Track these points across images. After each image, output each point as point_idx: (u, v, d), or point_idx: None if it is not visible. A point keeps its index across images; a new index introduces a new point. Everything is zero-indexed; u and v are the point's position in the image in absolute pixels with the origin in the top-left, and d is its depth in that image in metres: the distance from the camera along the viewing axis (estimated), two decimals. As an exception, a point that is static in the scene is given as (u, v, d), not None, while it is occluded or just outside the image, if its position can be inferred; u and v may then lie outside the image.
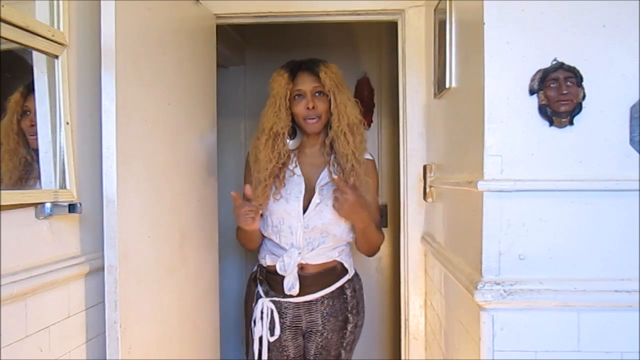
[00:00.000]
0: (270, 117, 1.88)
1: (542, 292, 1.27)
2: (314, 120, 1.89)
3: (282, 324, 1.92)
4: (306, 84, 1.88)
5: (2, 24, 1.17)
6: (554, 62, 1.28)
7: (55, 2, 1.39)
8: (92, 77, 1.53)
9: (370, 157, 2.01)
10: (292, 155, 1.95)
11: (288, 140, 1.92)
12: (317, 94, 1.89)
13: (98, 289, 1.52)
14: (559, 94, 1.27)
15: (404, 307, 2.30)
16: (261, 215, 1.91)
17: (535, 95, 1.29)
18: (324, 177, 1.93)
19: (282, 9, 2.20)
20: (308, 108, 1.87)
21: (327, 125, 1.93)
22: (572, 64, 1.28)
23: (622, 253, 1.28)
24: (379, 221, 2.04)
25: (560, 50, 1.28)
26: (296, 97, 1.89)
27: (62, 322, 1.40)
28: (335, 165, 1.91)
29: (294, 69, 1.90)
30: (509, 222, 1.30)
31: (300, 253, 1.87)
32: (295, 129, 1.95)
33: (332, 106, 1.88)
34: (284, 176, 1.91)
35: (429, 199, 2.07)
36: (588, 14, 1.28)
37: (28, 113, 1.37)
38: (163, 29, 1.72)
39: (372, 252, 2.00)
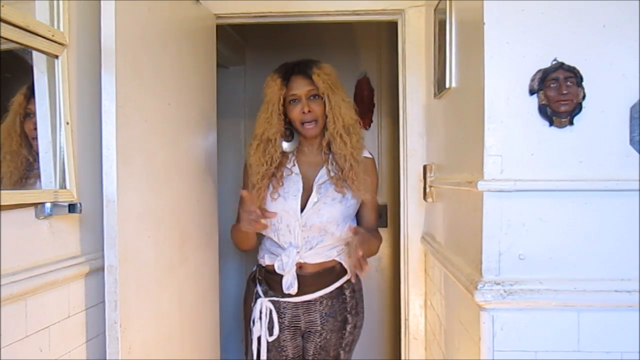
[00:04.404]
0: (262, 123, 1.88)
1: (542, 292, 1.27)
2: (311, 125, 1.89)
3: (280, 323, 1.92)
4: (300, 88, 1.87)
5: (2, 24, 1.17)
6: (554, 62, 1.28)
7: (55, 2, 1.39)
8: (92, 77, 1.52)
9: (369, 155, 2.01)
10: (290, 154, 1.96)
11: (284, 143, 1.92)
12: (312, 97, 1.88)
13: (98, 289, 1.52)
14: (559, 94, 1.27)
15: (404, 307, 2.30)
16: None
17: (535, 95, 1.29)
18: (322, 175, 1.93)
19: (282, 9, 2.20)
20: (304, 112, 1.87)
21: (325, 127, 1.93)
22: (572, 64, 1.28)
23: (622, 253, 1.28)
24: (376, 222, 2.05)
25: (560, 50, 1.28)
26: (291, 102, 1.89)
27: (62, 322, 1.40)
28: (334, 163, 1.91)
29: (287, 73, 1.89)
30: (509, 222, 1.30)
31: (298, 252, 1.87)
32: (292, 130, 1.95)
33: (326, 108, 1.87)
34: (281, 175, 1.91)
35: (429, 199, 2.07)
36: (588, 14, 1.28)
37: (31, 116, 1.37)
38: (163, 29, 1.72)
39: (374, 254, 2.02)
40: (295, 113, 1.88)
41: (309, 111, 1.87)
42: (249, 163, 1.91)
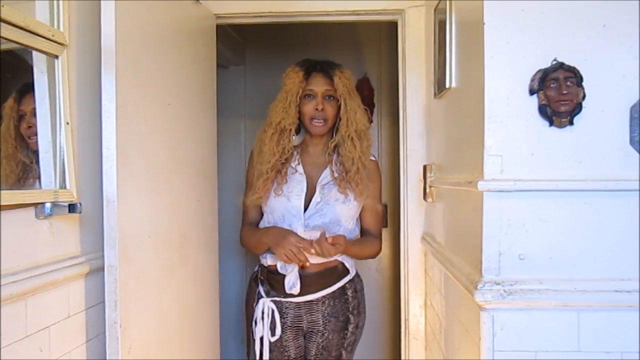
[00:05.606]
0: (279, 112, 1.90)
1: (542, 292, 1.27)
2: (321, 123, 1.91)
3: (283, 324, 1.92)
4: (319, 85, 1.90)
5: (2, 24, 1.17)
6: (554, 62, 1.28)
7: (55, 2, 1.39)
8: (92, 77, 1.52)
9: (373, 158, 2.02)
10: (295, 152, 1.97)
11: (293, 137, 1.93)
12: (327, 97, 1.90)
13: (98, 289, 1.52)
14: (559, 94, 1.27)
15: (404, 307, 2.30)
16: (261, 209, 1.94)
17: (535, 95, 1.29)
18: (325, 176, 1.94)
19: (282, 9, 2.20)
20: (317, 109, 1.89)
21: (332, 129, 1.94)
22: (572, 64, 1.28)
23: (622, 253, 1.28)
24: (380, 228, 2.05)
25: (560, 50, 1.28)
26: (306, 96, 1.91)
27: (62, 322, 1.40)
28: (338, 164, 1.92)
29: (309, 69, 1.91)
30: (509, 222, 1.30)
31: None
32: (299, 126, 1.97)
33: (341, 111, 1.90)
34: (285, 172, 1.92)
35: (429, 199, 2.07)
36: (588, 14, 1.28)
37: (24, 117, 1.37)
38: (163, 29, 1.72)
39: (366, 258, 2.07)
40: (308, 108, 1.90)
41: (322, 109, 1.89)
42: (262, 151, 1.92)
